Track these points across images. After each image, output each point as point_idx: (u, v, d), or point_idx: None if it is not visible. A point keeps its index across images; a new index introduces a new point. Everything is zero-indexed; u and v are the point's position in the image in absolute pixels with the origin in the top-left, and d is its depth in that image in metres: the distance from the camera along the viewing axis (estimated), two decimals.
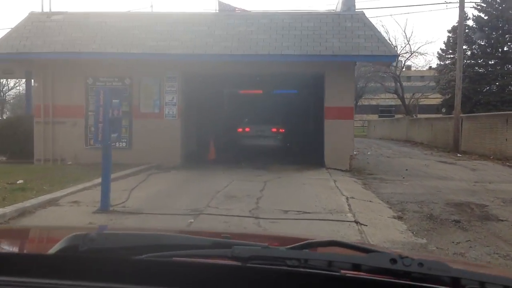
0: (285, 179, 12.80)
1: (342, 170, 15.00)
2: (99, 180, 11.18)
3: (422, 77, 52.81)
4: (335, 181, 12.41)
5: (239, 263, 1.29)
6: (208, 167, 15.37)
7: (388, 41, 21.32)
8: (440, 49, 61.37)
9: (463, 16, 24.22)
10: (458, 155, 22.23)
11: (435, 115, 42.53)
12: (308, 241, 1.53)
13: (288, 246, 1.42)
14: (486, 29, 55.46)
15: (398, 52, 34.67)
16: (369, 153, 23.71)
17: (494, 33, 55.53)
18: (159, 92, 15.71)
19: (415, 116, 39.32)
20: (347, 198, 9.74)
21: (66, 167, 14.26)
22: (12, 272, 1.24)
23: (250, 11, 16.42)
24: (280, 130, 18.75)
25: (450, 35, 60.70)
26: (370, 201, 9.85)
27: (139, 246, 1.38)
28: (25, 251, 1.89)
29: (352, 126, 15.98)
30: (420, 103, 45.09)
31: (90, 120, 15.64)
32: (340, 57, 14.68)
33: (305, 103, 22.92)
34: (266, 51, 14.73)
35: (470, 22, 59.28)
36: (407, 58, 38.01)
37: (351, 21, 15.22)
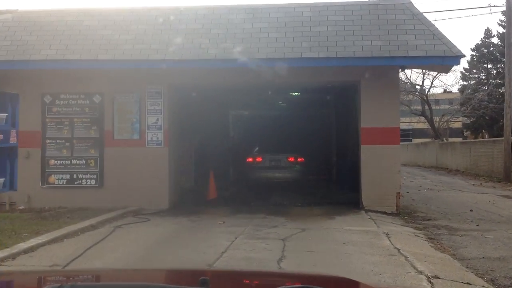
0: (313, 232, 8.72)
1: (387, 214, 10.97)
2: (20, 245, 7.25)
3: (437, 100, 48.90)
4: (387, 235, 8.32)
5: None
6: (204, 211, 11.38)
7: None
8: (464, 68, 57.60)
9: (511, 16, 20.23)
10: None
11: (469, 140, 38.41)
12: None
13: None
14: None
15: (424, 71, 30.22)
16: (403, 183, 19.56)
17: None
18: (138, 112, 11.84)
19: (445, 140, 35.09)
20: (428, 278, 5.66)
21: (5, 216, 10.27)
22: None
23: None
24: (299, 159, 14.84)
25: (474, 53, 57.01)
26: (468, 284, 5.75)
27: None
28: None
29: (399, 153, 11.90)
30: (450, 126, 40.88)
31: (49, 150, 11.99)
32: (383, 60, 10.79)
33: (332, 124, 18.63)
34: (281, 54, 10.88)
35: (495, 40, 55.67)
36: (435, 77, 33.93)
37: (395, 12, 11.35)
